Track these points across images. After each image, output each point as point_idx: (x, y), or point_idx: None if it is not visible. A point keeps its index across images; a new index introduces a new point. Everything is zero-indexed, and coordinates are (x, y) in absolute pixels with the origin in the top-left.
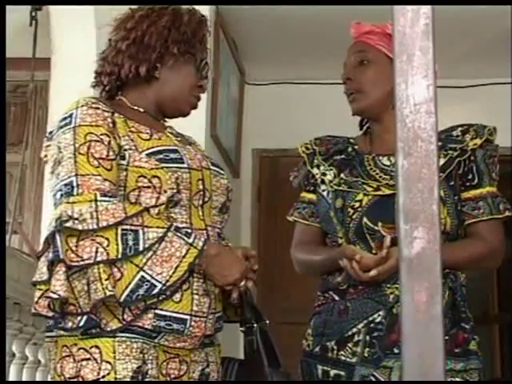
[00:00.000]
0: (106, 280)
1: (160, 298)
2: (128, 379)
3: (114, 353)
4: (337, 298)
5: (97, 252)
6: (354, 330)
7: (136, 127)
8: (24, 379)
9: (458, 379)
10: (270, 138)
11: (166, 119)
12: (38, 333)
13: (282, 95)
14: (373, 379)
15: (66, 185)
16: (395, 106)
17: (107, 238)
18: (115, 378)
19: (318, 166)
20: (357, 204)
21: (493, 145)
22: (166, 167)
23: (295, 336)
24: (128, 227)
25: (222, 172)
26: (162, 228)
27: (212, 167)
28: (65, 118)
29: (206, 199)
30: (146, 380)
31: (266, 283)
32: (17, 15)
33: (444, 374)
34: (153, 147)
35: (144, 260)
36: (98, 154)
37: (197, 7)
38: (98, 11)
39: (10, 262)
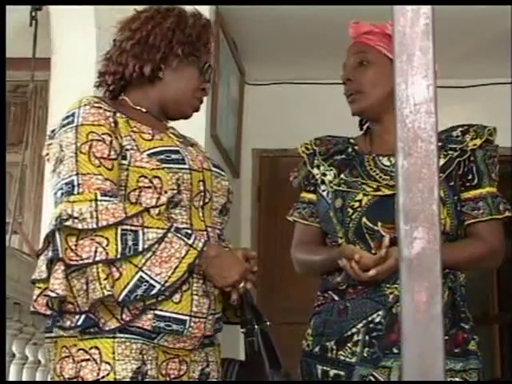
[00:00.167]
0: (105, 280)
1: (159, 299)
2: (127, 380)
3: (114, 353)
4: (336, 297)
5: (96, 251)
6: (354, 329)
7: (138, 127)
8: (24, 379)
9: (457, 379)
10: (270, 138)
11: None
12: (38, 333)
13: (282, 95)
14: (372, 379)
15: (66, 183)
16: (395, 106)
17: (107, 238)
18: (115, 379)
19: (318, 166)
20: (356, 204)
21: (493, 145)
22: (167, 168)
23: (295, 336)
24: (128, 227)
25: (223, 173)
26: (162, 229)
27: (213, 169)
28: (67, 117)
29: (207, 200)
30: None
31: (265, 283)
32: (17, 15)
33: (444, 374)
34: (154, 147)
35: (143, 260)
36: (100, 153)
37: (196, 7)
38: (98, 11)
39: (9, 262)
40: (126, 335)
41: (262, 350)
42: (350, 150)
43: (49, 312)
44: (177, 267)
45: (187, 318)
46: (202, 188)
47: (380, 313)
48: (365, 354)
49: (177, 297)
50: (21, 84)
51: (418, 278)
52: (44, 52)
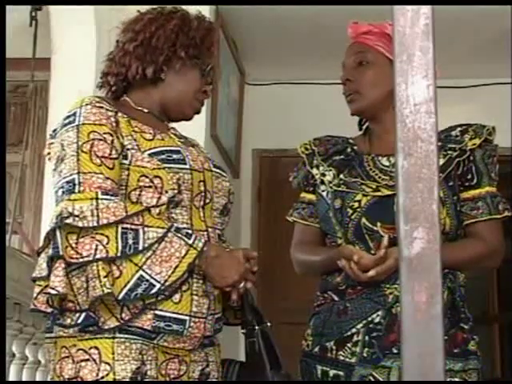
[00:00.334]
0: (105, 277)
1: (159, 298)
2: (127, 380)
3: (113, 354)
4: (336, 298)
5: (96, 249)
6: (353, 330)
7: (139, 127)
8: (24, 379)
9: (456, 379)
10: (270, 138)
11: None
12: (38, 333)
13: (282, 95)
14: (372, 379)
15: (67, 182)
16: (395, 106)
17: (107, 236)
18: (114, 379)
19: (317, 167)
20: (356, 204)
21: (492, 145)
22: (168, 167)
23: (295, 336)
24: (128, 226)
25: (224, 174)
26: (163, 228)
27: (214, 169)
28: (68, 116)
29: (207, 201)
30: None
31: (265, 283)
32: (17, 15)
33: (444, 374)
34: (155, 147)
35: (143, 259)
36: (101, 152)
37: (196, 7)
38: (98, 11)
39: (9, 262)
40: (126, 335)
41: (262, 351)
42: (349, 150)
43: (49, 310)
44: (177, 267)
45: (187, 318)
46: (202, 188)
47: (380, 313)
48: (364, 355)
49: (177, 297)
50: (21, 84)
51: (418, 277)
52: (44, 52)
